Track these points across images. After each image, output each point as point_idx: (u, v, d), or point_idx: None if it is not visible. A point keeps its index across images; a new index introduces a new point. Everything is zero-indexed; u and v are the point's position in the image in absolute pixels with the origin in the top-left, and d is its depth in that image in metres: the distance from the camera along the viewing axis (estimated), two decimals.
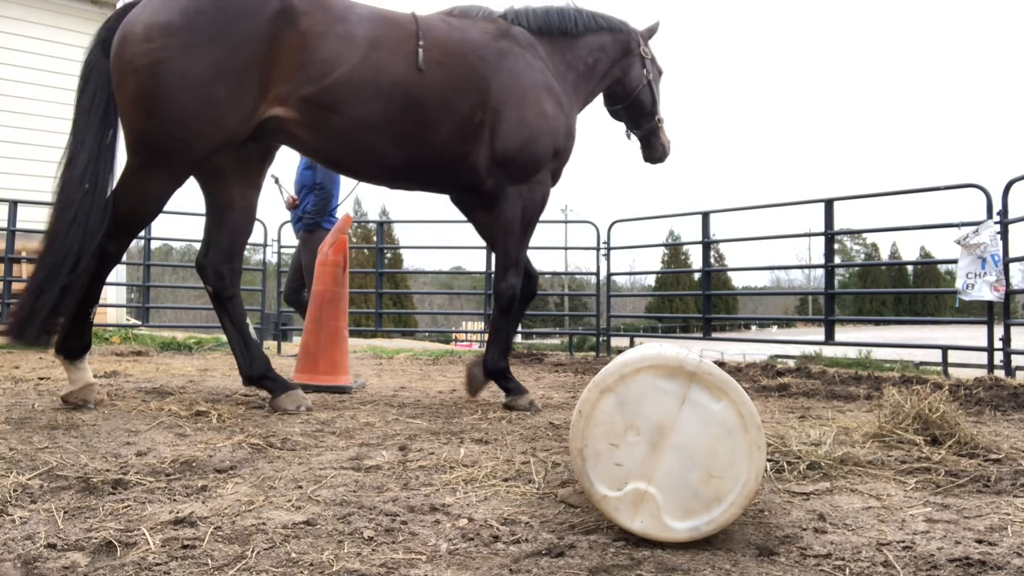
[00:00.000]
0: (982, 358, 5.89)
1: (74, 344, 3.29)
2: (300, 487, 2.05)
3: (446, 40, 3.63)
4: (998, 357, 5.63)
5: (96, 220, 3.19)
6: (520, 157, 3.70)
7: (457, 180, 3.82)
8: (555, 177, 4.01)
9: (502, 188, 3.75)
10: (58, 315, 3.14)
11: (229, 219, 3.66)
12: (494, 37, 3.77)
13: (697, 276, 9.55)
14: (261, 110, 3.27)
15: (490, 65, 3.67)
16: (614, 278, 9.29)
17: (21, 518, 1.73)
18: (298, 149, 3.73)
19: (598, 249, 8.53)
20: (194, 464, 2.29)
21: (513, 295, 3.81)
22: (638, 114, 4.46)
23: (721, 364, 6.27)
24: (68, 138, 3.31)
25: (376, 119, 3.44)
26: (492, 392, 4.38)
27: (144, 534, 1.61)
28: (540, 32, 3.96)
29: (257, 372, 3.57)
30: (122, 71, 3.17)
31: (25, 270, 8.40)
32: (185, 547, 1.55)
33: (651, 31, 4.51)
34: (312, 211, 5.53)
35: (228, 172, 3.63)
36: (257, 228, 6.67)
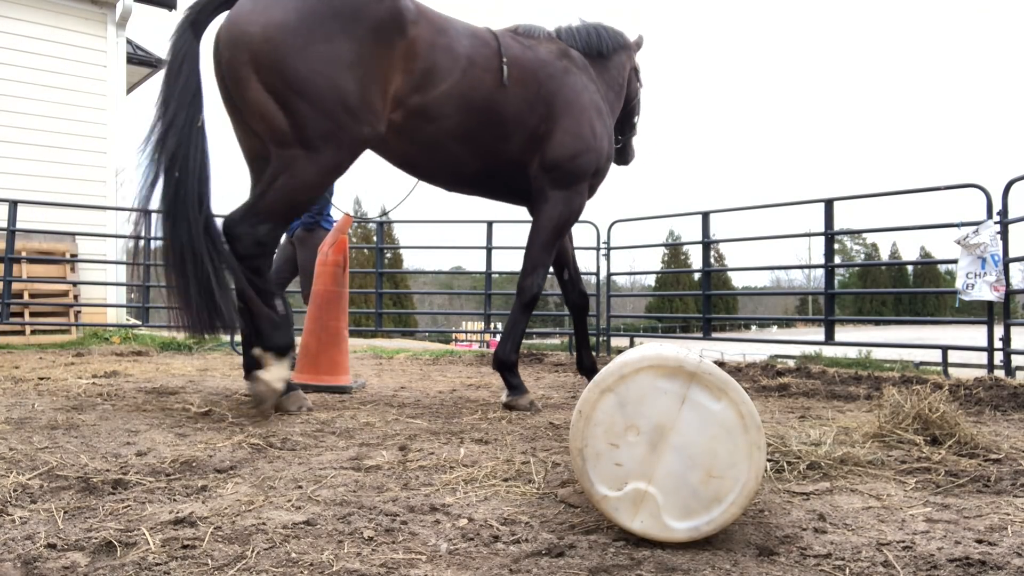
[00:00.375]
0: (982, 358, 5.89)
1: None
2: (300, 487, 2.05)
3: (521, 58, 3.84)
4: (998, 357, 5.63)
5: (193, 204, 3.20)
6: (568, 165, 3.92)
7: (514, 187, 4.06)
8: (591, 191, 4.22)
9: (543, 191, 3.95)
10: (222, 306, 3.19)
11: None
12: (557, 56, 4.04)
13: (697, 276, 9.55)
14: (387, 110, 3.37)
15: (556, 83, 3.92)
16: (614, 278, 9.29)
17: (21, 518, 1.73)
18: (381, 153, 3.76)
19: (598, 249, 8.53)
20: (194, 464, 2.29)
21: (536, 294, 3.96)
22: (626, 123, 4.78)
23: (721, 364, 6.27)
24: (155, 122, 3.23)
25: (464, 130, 3.64)
26: (492, 392, 4.38)
27: (144, 534, 1.61)
28: (586, 53, 4.24)
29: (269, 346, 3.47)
30: (241, 68, 3.15)
31: (25, 270, 8.41)
32: (185, 547, 1.55)
33: (639, 43, 4.74)
34: (312, 209, 5.49)
35: None
36: None
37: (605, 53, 4.33)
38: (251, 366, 3.35)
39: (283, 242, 5.64)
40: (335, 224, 4.77)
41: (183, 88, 3.22)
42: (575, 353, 4.83)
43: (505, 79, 3.68)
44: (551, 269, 4.23)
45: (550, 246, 3.96)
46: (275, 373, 3.25)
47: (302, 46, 3.14)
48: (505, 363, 3.88)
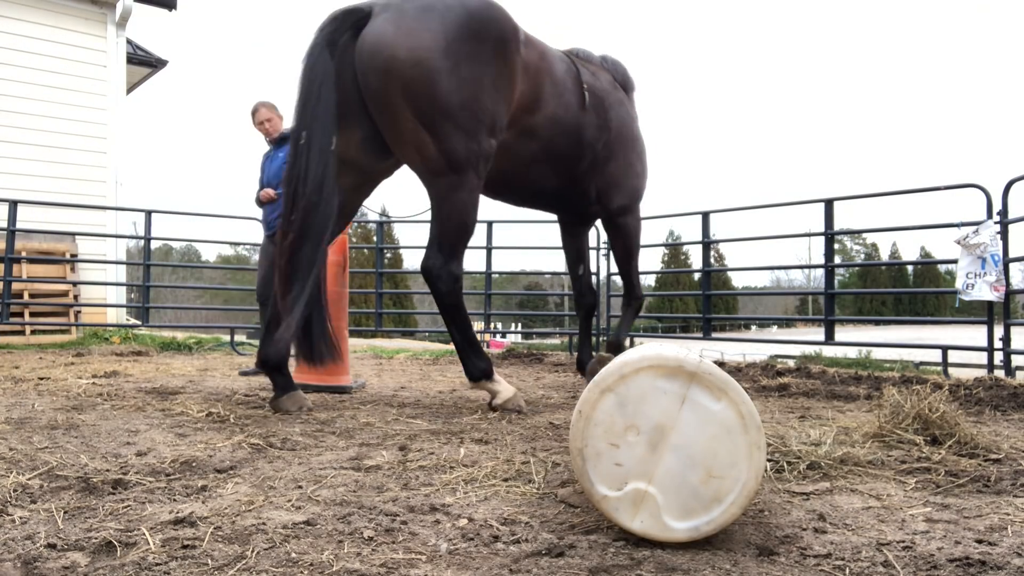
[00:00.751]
0: (982, 358, 5.88)
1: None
2: (300, 487, 2.05)
3: (593, 85, 4.08)
4: (998, 357, 5.63)
5: (327, 230, 3.27)
6: (623, 191, 4.35)
7: (576, 206, 4.40)
8: None
9: (612, 219, 4.45)
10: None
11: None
12: (613, 86, 4.31)
13: (697, 276, 9.54)
14: (506, 124, 3.50)
15: (615, 112, 4.20)
16: (614, 278, 9.28)
17: (21, 518, 1.73)
18: None
19: (598, 249, 8.53)
20: (194, 464, 2.29)
21: (642, 303, 4.70)
22: None
23: (721, 364, 6.27)
24: (297, 145, 3.20)
25: (554, 151, 3.89)
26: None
27: (144, 534, 1.61)
28: (624, 87, 4.52)
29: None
30: (395, 101, 3.15)
31: (25, 270, 8.41)
32: (185, 547, 1.55)
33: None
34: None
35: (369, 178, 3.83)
36: None
37: (628, 88, 4.59)
38: (282, 381, 3.48)
39: (265, 243, 5.58)
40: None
41: (324, 111, 3.19)
42: (575, 353, 4.94)
43: (587, 104, 3.94)
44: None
45: (637, 264, 4.67)
46: (502, 386, 3.58)
47: (450, 70, 3.15)
48: (617, 346, 4.52)
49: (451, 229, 3.34)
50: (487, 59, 3.26)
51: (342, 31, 3.23)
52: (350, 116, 3.33)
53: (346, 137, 3.36)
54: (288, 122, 4.71)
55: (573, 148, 3.96)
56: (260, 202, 5.55)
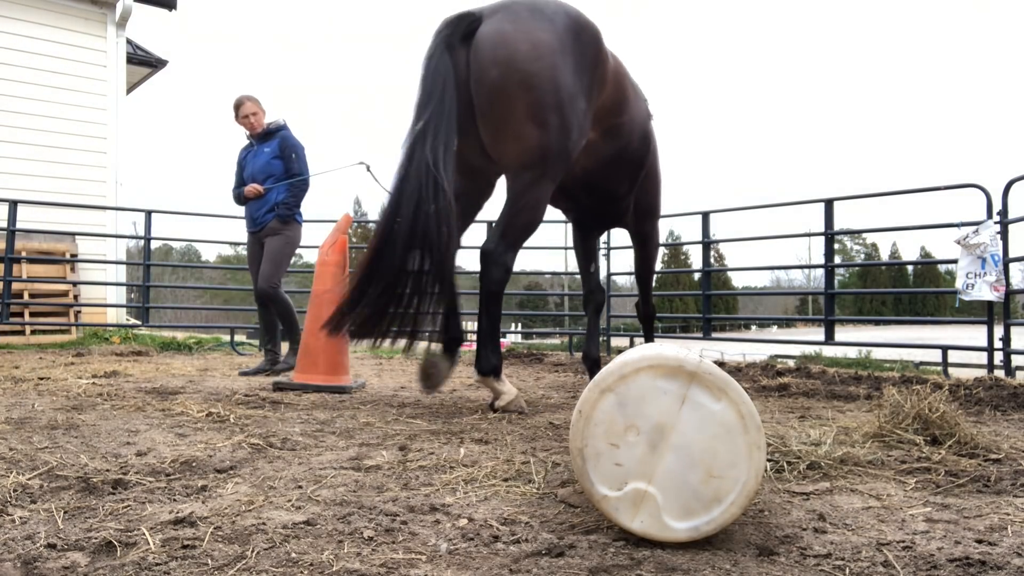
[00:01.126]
0: (982, 358, 5.89)
1: (496, 360, 3.55)
2: (300, 487, 2.05)
3: (639, 92, 4.22)
4: (998, 357, 5.63)
5: (454, 231, 3.32)
6: (653, 207, 4.62)
7: (621, 216, 4.56)
8: None
9: (643, 231, 4.68)
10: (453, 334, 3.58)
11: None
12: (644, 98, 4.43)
13: (697, 276, 9.54)
14: (590, 126, 3.60)
15: (650, 124, 4.37)
16: (614, 278, 9.28)
17: (21, 518, 1.73)
18: None
19: (598, 249, 8.52)
20: (194, 464, 2.29)
21: (655, 314, 5.03)
22: None
23: (721, 364, 6.27)
24: (424, 148, 3.20)
25: (628, 153, 4.05)
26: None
27: (144, 534, 1.61)
28: None
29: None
30: (512, 91, 3.24)
31: (25, 270, 8.41)
32: (185, 547, 1.55)
33: None
34: (290, 201, 5.31)
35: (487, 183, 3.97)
36: None
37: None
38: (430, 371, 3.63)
39: (252, 242, 5.49)
40: (336, 224, 4.76)
41: (449, 114, 3.25)
42: (576, 353, 4.97)
43: (651, 111, 4.19)
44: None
45: (653, 273, 4.97)
46: (506, 387, 3.61)
47: (563, 68, 3.27)
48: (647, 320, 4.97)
49: (520, 223, 3.42)
50: (587, 63, 3.42)
51: (458, 35, 3.33)
52: (465, 119, 3.41)
53: (464, 139, 3.46)
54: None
55: (643, 153, 4.16)
56: (244, 198, 5.41)
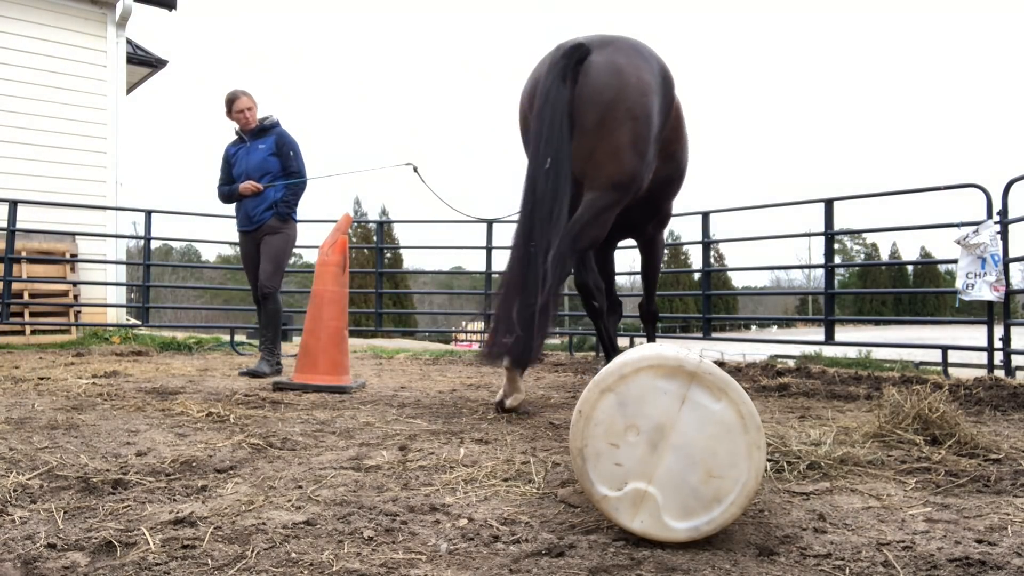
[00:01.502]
0: (982, 358, 5.88)
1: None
2: (300, 487, 2.05)
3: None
4: (998, 357, 5.63)
5: (566, 250, 3.45)
6: (670, 213, 4.81)
7: (646, 225, 4.69)
8: None
9: (656, 239, 4.83)
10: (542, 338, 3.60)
11: None
12: None
13: (697, 276, 9.54)
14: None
15: None
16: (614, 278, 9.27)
17: (21, 518, 1.73)
18: None
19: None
20: (194, 464, 2.29)
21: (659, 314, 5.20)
22: None
23: (721, 364, 6.27)
24: (548, 173, 3.38)
25: (678, 171, 4.40)
26: (492, 392, 4.38)
27: (144, 534, 1.61)
28: None
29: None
30: (620, 116, 3.47)
31: (25, 270, 8.41)
32: (185, 547, 1.55)
33: None
34: (290, 200, 5.26)
35: None
36: None
37: None
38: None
39: (246, 241, 5.41)
40: (336, 223, 4.76)
41: (567, 139, 3.43)
42: (575, 353, 4.96)
43: (687, 132, 4.41)
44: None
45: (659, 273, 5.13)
46: (519, 386, 3.63)
47: (656, 106, 3.59)
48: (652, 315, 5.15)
49: (592, 235, 3.57)
50: (666, 107, 3.74)
51: (573, 62, 3.50)
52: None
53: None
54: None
55: (684, 169, 4.47)
56: (239, 195, 5.27)
